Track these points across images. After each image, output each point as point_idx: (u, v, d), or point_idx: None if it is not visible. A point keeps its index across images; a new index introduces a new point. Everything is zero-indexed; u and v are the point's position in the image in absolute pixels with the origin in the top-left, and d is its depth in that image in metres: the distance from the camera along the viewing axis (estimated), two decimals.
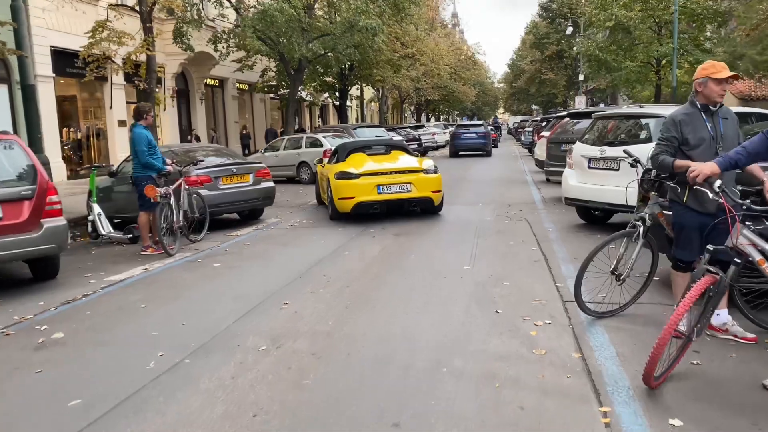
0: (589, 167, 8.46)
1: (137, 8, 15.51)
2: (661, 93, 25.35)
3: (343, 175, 9.92)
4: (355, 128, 20.28)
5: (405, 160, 10.41)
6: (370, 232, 9.19)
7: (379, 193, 9.84)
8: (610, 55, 24.22)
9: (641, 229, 4.54)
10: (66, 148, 19.74)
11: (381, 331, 4.67)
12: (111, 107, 21.20)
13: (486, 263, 6.89)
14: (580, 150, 8.67)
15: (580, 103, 39.04)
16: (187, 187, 8.81)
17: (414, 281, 6.24)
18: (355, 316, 5.11)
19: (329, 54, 24.14)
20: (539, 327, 4.64)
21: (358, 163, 10.26)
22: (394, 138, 18.63)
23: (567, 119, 12.43)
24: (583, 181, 8.53)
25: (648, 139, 7.55)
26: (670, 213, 4.30)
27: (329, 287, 6.09)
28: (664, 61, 24.35)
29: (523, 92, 61.11)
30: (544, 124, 19.42)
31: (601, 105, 40.66)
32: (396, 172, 9.93)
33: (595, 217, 8.98)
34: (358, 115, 41.81)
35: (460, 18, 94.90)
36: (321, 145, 17.47)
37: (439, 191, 10.16)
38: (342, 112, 31.29)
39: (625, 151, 5.19)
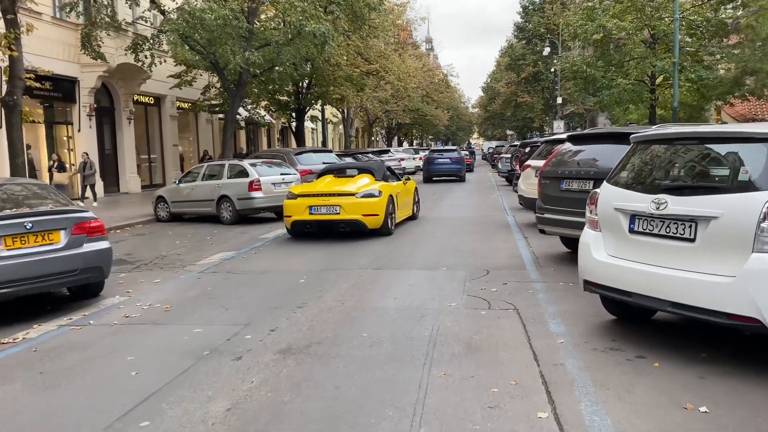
0: (632, 231, 4.59)
1: None
2: (656, 115, 21.82)
3: (288, 196, 10.76)
4: (298, 153, 16.38)
5: (353, 185, 10.74)
6: (243, 347, 5.13)
7: (311, 214, 10.32)
8: (598, 72, 20.64)
9: None
10: None
11: None
12: None
13: None
14: (613, 198, 4.80)
15: (558, 128, 36.33)
16: None
17: None
18: None
19: (277, 68, 20.29)
20: None
21: (314, 184, 11.19)
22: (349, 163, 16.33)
23: (567, 145, 8.53)
24: (622, 254, 4.63)
25: (744, 185, 3.84)
26: None
27: None
28: (660, 78, 20.87)
29: (497, 116, 58.75)
30: (526, 150, 15.62)
31: (578, 130, 37.64)
32: (327, 195, 10.37)
33: (630, 308, 5.04)
34: (319, 139, 37.93)
35: (435, 43, 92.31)
36: (247, 175, 13.41)
37: (373, 215, 10.31)
38: (299, 135, 27.38)
39: None
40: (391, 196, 10.79)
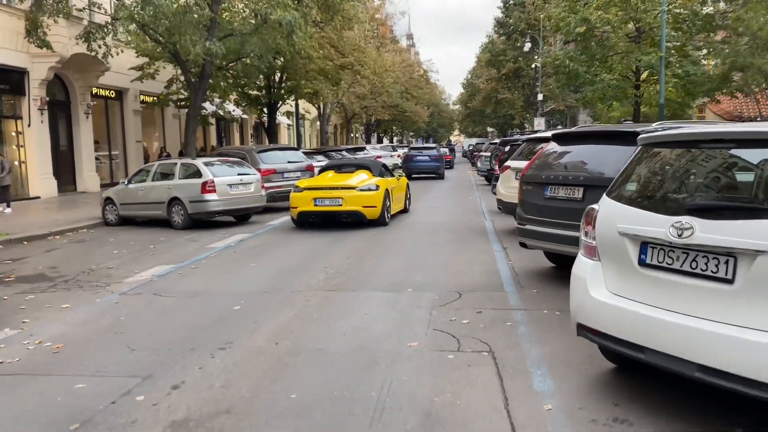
0: (642, 263, 3.45)
1: None
2: (640, 112, 20.83)
3: (295, 188, 11.65)
4: (261, 151, 15.10)
5: (354, 179, 11.64)
6: (127, 417, 3.88)
7: (316, 205, 11.22)
8: (581, 66, 19.58)
9: None
10: None
11: None
12: None
13: None
14: (617, 218, 3.66)
15: (539, 125, 35.53)
16: None
17: None
18: None
19: (244, 59, 18.96)
20: None
21: (318, 179, 12.14)
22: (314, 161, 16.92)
23: (552, 145, 7.36)
24: (629, 293, 3.49)
25: None
26: None
27: None
28: (645, 74, 19.87)
29: (478, 113, 57.51)
30: (506, 149, 14.49)
31: (559, 128, 37.03)
32: (330, 188, 11.30)
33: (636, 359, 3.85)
34: (294, 135, 36.65)
35: (415, 39, 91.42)
36: (200, 175, 12.08)
37: (372, 207, 11.24)
38: (271, 131, 26.04)
39: None
40: (387, 190, 11.80)
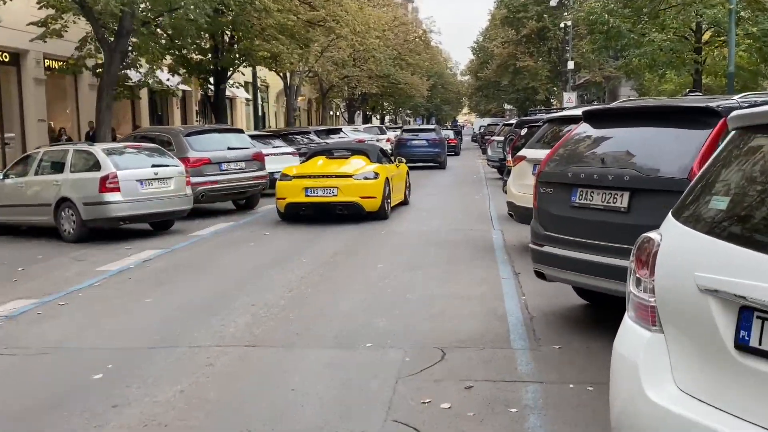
0: (743, 347, 2.35)
1: None
2: (701, 83, 19.95)
3: (282, 177, 12.63)
4: (190, 134, 14.17)
5: (349, 166, 12.73)
6: None
7: (307, 196, 12.21)
8: (625, 23, 18.70)
9: None
10: None
11: None
12: None
13: None
14: (696, 259, 2.65)
15: (569, 101, 35.28)
16: None
17: None
18: None
19: (176, 11, 17.88)
20: None
21: (308, 165, 13.34)
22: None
23: (583, 127, 6.36)
24: (719, 401, 2.46)
25: None
26: None
27: None
28: (707, 34, 19.00)
29: (492, 86, 57.16)
30: (523, 132, 13.56)
31: (595, 104, 36.67)
32: (323, 176, 12.32)
33: None
34: (251, 112, 35.67)
35: None
36: (99, 167, 11.02)
37: (371, 197, 12.20)
38: (218, 107, 25.07)
39: None
40: (387, 178, 12.64)
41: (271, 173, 15.96)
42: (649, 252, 2.87)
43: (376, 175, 12.31)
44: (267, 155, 15.79)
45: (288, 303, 6.88)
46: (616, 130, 6.07)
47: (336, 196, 12.03)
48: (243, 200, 14.91)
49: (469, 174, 24.37)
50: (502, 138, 20.48)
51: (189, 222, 12.68)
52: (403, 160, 15.77)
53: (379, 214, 12.41)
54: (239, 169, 13.99)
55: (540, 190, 6.25)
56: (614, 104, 7.11)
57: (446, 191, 18.29)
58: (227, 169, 13.85)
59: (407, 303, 6.79)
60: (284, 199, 12.32)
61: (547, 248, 5.98)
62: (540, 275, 6.15)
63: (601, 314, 6.17)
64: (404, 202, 14.62)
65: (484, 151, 30.00)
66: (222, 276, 8.30)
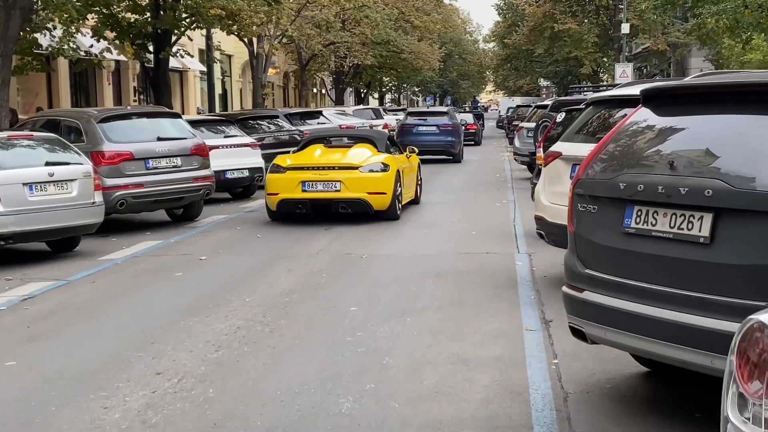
0: None
1: None
2: None
3: (273, 169, 13.77)
4: (106, 119, 13.96)
5: (352, 155, 13.86)
6: None
7: (304, 191, 13.17)
8: None
9: None
10: None
11: None
12: None
13: None
14: None
15: (623, 75, 36.12)
16: None
17: None
18: None
19: None
20: None
21: (303, 155, 14.28)
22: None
23: (642, 113, 5.79)
24: None
25: None
26: None
27: None
28: None
29: (523, 56, 57.94)
30: (559, 116, 13.39)
31: (657, 79, 36.99)
32: (324, 168, 13.34)
33: None
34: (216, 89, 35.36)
35: None
36: None
37: (380, 193, 13.23)
38: (159, 83, 24.80)
39: None
40: (398, 171, 13.68)
41: (221, 172, 15.71)
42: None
43: (386, 167, 13.33)
44: (215, 148, 15.59)
45: (210, 371, 6.14)
46: (690, 119, 5.50)
47: (339, 191, 12.96)
48: (180, 209, 14.29)
49: (490, 171, 24.37)
50: (533, 125, 20.20)
51: (102, 240, 12.25)
52: (415, 150, 16.69)
53: (389, 213, 13.40)
54: (173, 167, 13.45)
55: (578, 206, 5.56)
56: (687, 80, 6.54)
57: (458, 196, 18.18)
58: (156, 167, 13.36)
59: (386, 372, 6.07)
60: (276, 194, 13.15)
61: (588, 295, 5.30)
62: (578, 334, 5.44)
63: (672, 392, 5.59)
64: (415, 201, 15.67)
65: (511, 141, 30.26)
66: (125, 325, 7.67)
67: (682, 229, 4.79)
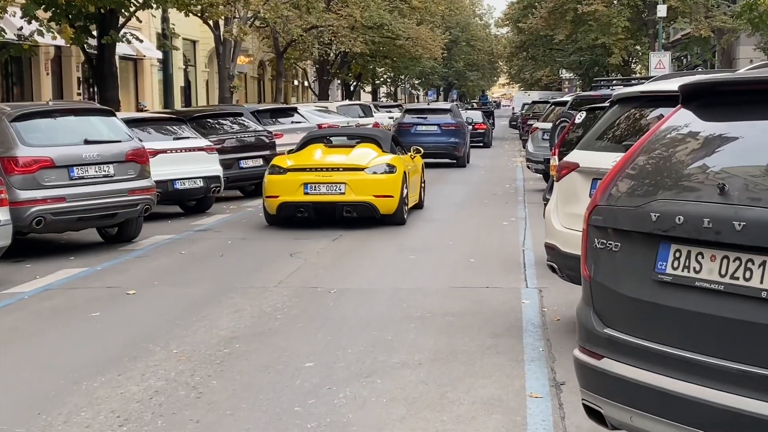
0: None
1: None
2: None
3: (273, 169, 14.96)
4: (19, 117, 13.66)
5: (356, 156, 15.15)
6: None
7: (306, 193, 14.31)
8: None
9: None
10: None
11: None
12: None
13: None
14: None
15: (659, 66, 37.33)
16: None
17: None
18: None
19: None
20: None
21: (303, 155, 15.53)
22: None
23: (682, 116, 5.64)
24: None
25: None
26: None
27: None
28: None
29: (542, 42, 58.73)
30: (579, 115, 13.64)
31: (699, 71, 37.15)
32: (328, 169, 14.53)
33: None
34: (175, 81, 35.36)
35: None
36: None
37: (387, 196, 14.40)
38: (103, 73, 24.96)
39: None
40: (405, 173, 14.90)
41: (169, 182, 15.62)
42: None
43: (393, 169, 14.55)
44: (161, 152, 15.53)
45: None
46: (745, 126, 4.97)
47: (344, 194, 14.06)
48: (113, 228, 13.81)
49: (499, 180, 24.54)
50: (549, 125, 20.26)
51: (13, 267, 11.98)
52: (420, 150, 18.08)
53: (396, 218, 14.62)
54: (104, 176, 13.01)
55: (595, 243, 4.99)
56: (740, 73, 5.98)
57: (457, 211, 18.15)
58: (83, 177, 12.94)
59: None
60: (276, 197, 14.20)
61: (608, 364, 4.79)
62: (595, 416, 4.92)
63: None
64: (419, 205, 16.93)
65: (525, 144, 30.83)
66: (8, 387, 7.11)
67: (737, 278, 4.27)
